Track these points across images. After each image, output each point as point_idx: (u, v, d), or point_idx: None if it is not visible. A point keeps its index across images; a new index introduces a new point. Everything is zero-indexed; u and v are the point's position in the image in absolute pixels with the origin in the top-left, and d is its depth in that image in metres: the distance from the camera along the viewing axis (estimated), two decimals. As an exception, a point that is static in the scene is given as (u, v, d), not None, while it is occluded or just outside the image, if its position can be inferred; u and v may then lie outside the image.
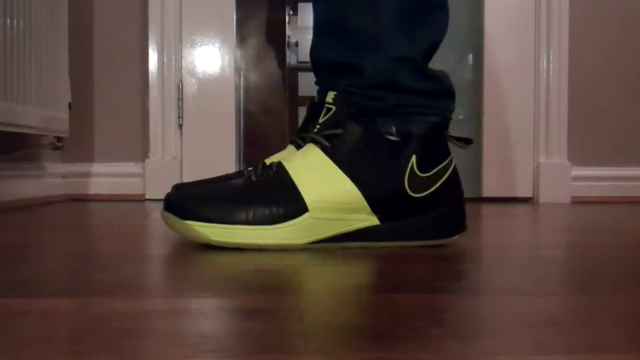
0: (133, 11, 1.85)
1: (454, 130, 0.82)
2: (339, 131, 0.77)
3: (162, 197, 0.78)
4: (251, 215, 0.73)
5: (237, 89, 2.00)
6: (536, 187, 1.88)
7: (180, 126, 1.85)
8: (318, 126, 0.79)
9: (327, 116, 0.78)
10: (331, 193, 0.74)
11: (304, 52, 5.21)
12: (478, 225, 1.14)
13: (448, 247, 0.78)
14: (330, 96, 0.79)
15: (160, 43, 1.84)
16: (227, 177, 0.82)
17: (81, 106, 1.80)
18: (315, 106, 0.86)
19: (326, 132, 0.77)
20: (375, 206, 0.76)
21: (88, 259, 0.72)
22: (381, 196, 0.76)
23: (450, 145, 0.81)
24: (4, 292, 0.51)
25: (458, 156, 0.82)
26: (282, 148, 0.95)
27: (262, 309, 0.45)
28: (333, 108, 0.78)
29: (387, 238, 0.77)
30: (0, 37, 1.33)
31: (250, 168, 0.80)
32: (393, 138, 0.76)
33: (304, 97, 5.02)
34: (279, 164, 0.77)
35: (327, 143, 0.76)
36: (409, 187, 0.76)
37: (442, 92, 0.81)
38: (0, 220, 1.18)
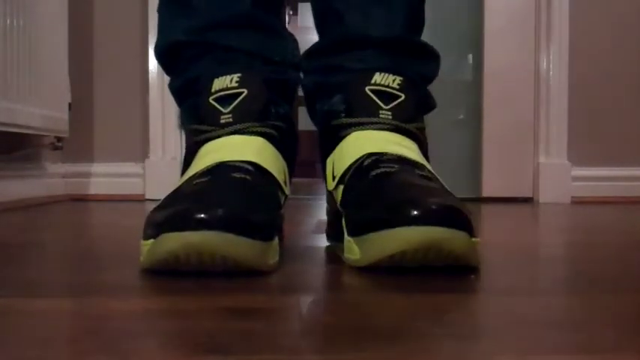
0: (133, 11, 1.85)
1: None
2: None
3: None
4: None
5: (237, 89, 2.00)
6: (536, 187, 1.88)
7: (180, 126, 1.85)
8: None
9: None
10: None
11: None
12: (478, 225, 1.14)
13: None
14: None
15: (160, 43, 1.84)
16: None
17: (81, 106, 1.80)
18: None
19: None
20: None
21: (88, 259, 0.72)
22: None
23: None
24: (4, 292, 0.51)
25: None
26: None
27: (262, 309, 0.45)
28: None
29: None
30: (0, 37, 1.33)
31: None
32: None
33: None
34: None
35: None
36: None
37: None
38: (0, 220, 1.18)
